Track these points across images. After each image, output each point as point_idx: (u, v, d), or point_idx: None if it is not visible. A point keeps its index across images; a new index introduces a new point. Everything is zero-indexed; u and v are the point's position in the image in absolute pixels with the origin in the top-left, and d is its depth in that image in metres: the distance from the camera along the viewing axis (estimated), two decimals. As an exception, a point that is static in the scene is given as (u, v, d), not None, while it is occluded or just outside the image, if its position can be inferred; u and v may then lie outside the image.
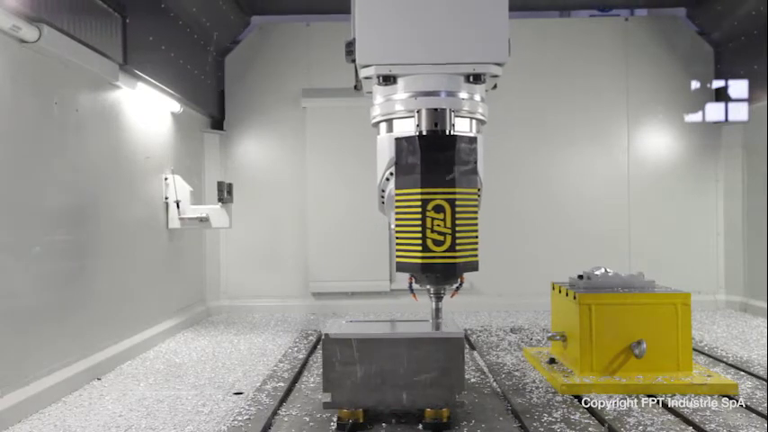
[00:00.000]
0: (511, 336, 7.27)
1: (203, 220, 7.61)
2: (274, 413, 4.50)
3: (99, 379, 5.52)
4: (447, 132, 4.23)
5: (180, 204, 7.53)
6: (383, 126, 4.53)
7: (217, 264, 9.32)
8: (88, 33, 5.53)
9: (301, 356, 6.27)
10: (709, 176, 9.33)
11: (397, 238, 4.26)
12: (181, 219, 7.56)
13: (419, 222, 4.10)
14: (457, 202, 4.11)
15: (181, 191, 7.56)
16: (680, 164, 9.37)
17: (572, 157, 9.39)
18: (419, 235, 4.10)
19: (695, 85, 9.27)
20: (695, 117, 9.29)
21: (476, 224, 4.27)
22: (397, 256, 4.28)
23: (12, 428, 4.31)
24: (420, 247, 4.10)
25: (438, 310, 4.47)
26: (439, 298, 4.45)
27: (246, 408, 4.61)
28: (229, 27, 9.14)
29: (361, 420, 4.12)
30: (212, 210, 7.63)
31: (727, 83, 9.02)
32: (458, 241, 4.11)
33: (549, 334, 5.79)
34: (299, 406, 4.68)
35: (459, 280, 4.40)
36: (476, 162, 4.26)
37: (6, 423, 4.31)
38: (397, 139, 4.26)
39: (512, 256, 9.23)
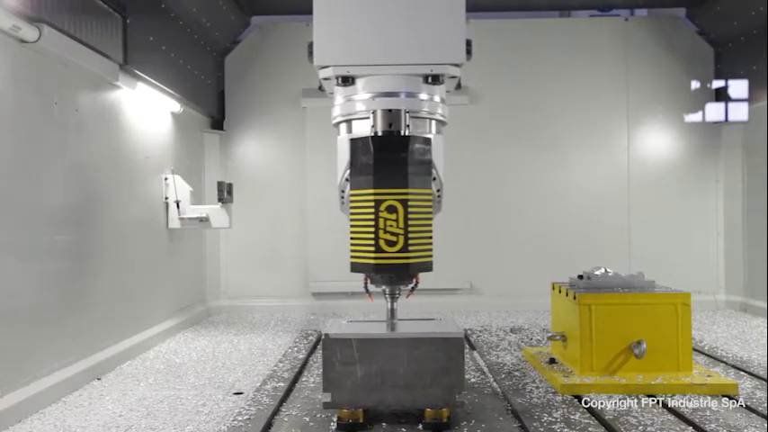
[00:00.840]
0: (511, 336, 7.27)
1: (203, 220, 7.61)
2: (274, 413, 4.50)
3: (99, 379, 5.52)
4: (402, 133, 4.26)
5: (180, 204, 7.53)
6: (343, 127, 4.57)
7: (217, 264, 9.32)
8: (88, 33, 5.53)
9: (301, 356, 6.27)
10: (709, 176, 9.33)
11: (351, 238, 4.31)
12: (181, 219, 7.56)
13: (372, 223, 4.14)
14: (410, 203, 4.13)
15: (181, 191, 7.56)
16: (680, 164, 9.37)
17: (572, 156, 9.39)
18: (372, 235, 4.14)
19: (695, 85, 9.27)
20: (695, 117, 9.29)
21: (430, 224, 4.30)
22: (352, 257, 4.33)
23: (12, 428, 4.31)
24: (373, 248, 4.15)
25: (393, 310, 4.50)
26: (393, 298, 4.49)
27: (246, 408, 4.62)
28: (229, 27, 9.15)
29: (361, 420, 4.12)
30: (212, 210, 7.63)
31: (727, 83, 9.02)
32: (410, 242, 4.13)
33: (549, 334, 5.79)
34: (299, 406, 4.68)
35: (414, 280, 4.41)
36: (430, 163, 4.29)
37: (6, 423, 4.31)
38: (352, 140, 4.30)
39: (512, 256, 9.23)
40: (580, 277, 5.69)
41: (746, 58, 8.58)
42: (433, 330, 4.27)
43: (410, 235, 4.13)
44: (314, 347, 6.61)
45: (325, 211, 9.22)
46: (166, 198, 7.54)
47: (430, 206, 4.30)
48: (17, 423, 4.39)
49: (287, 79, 9.28)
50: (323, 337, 4.17)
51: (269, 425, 4.29)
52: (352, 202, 4.28)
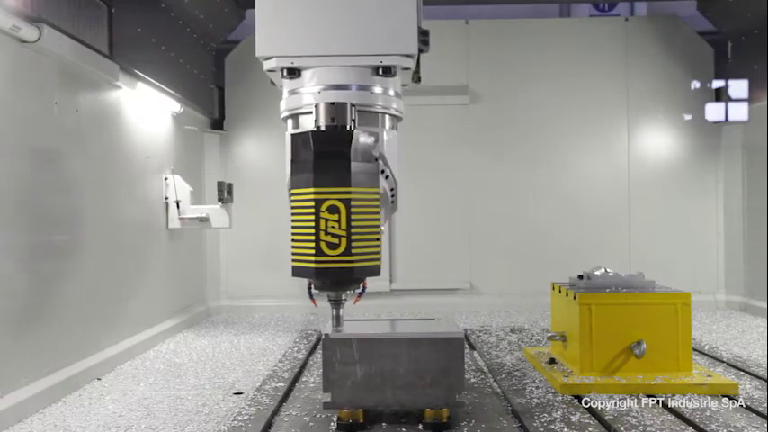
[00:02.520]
0: (511, 336, 7.27)
1: (203, 220, 7.60)
2: (274, 413, 4.50)
3: (99, 379, 5.52)
4: (348, 128, 3.94)
5: (180, 204, 7.53)
6: (290, 122, 4.34)
7: (217, 264, 9.32)
8: (87, 32, 5.52)
9: (301, 356, 6.27)
10: (709, 176, 9.33)
11: (292, 240, 4.04)
12: (181, 219, 7.56)
13: (312, 224, 3.86)
14: (353, 203, 3.84)
15: (181, 191, 7.56)
16: (680, 164, 9.37)
17: (572, 157, 9.39)
18: (312, 237, 3.86)
19: (695, 85, 9.27)
20: (695, 117, 9.29)
21: (377, 226, 4.01)
22: (293, 260, 4.05)
23: (12, 428, 4.31)
24: (313, 251, 3.87)
25: (338, 317, 4.23)
26: (338, 304, 4.22)
27: (246, 408, 4.62)
28: (224, 21, 9.01)
29: (361, 420, 4.12)
30: (212, 210, 7.62)
31: (727, 83, 9.01)
32: (354, 244, 3.84)
33: (549, 334, 5.79)
34: (299, 406, 4.68)
35: (361, 285, 4.15)
36: (377, 159, 4.00)
37: (6, 423, 4.31)
38: (293, 135, 4.04)
39: (512, 256, 9.23)
40: (580, 277, 5.69)
41: (760, 51, 8.47)
42: (432, 330, 4.28)
43: (353, 237, 3.83)
44: (314, 347, 6.60)
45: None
46: (166, 198, 7.54)
47: (377, 206, 3.99)
48: (17, 423, 4.39)
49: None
50: (323, 337, 4.17)
51: (269, 425, 4.29)
52: (293, 201, 4.02)
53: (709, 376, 5.05)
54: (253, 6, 9.25)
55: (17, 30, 4.57)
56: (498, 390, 5.06)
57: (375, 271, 4.01)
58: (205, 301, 9.07)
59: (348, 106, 3.95)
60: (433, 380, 4.09)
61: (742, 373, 5.49)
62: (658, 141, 9.38)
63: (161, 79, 7.07)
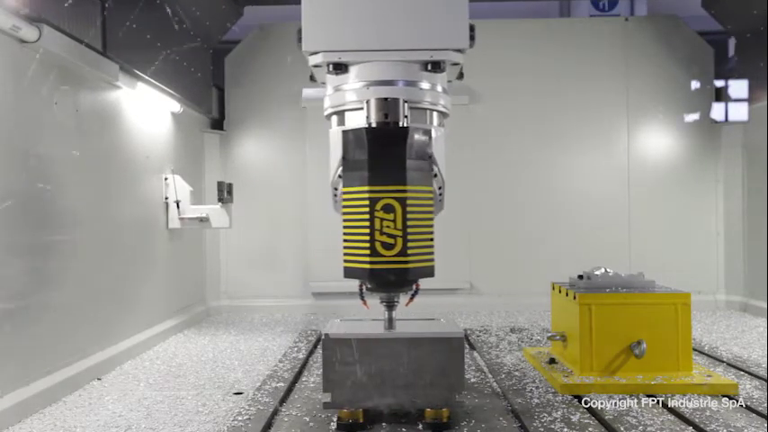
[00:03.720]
0: (511, 336, 7.27)
1: (203, 220, 7.60)
2: (274, 413, 4.50)
3: (99, 379, 5.52)
4: (400, 125, 3.87)
5: (180, 204, 7.53)
6: (335, 119, 4.22)
7: (217, 264, 9.32)
8: (85, 31, 5.52)
9: (301, 356, 6.27)
10: (709, 176, 9.33)
11: (344, 240, 3.95)
12: (181, 219, 7.56)
13: (367, 224, 3.77)
14: (408, 202, 3.77)
15: (181, 191, 7.56)
16: (680, 164, 9.37)
17: (572, 156, 9.39)
18: (367, 238, 3.77)
19: (695, 85, 9.27)
20: (695, 117, 9.30)
21: (431, 225, 3.95)
22: (345, 261, 3.95)
23: (12, 428, 4.31)
24: (368, 251, 3.77)
25: (391, 320, 4.15)
26: (390, 307, 4.13)
27: (246, 408, 4.61)
28: (222, 17, 8.97)
29: (361, 420, 4.12)
30: (212, 210, 7.62)
31: (727, 83, 9.01)
32: (410, 244, 3.78)
33: (549, 334, 5.79)
34: (299, 406, 4.68)
35: (414, 287, 4.06)
36: (431, 157, 3.93)
37: (6, 423, 4.31)
38: (344, 132, 3.95)
39: (512, 256, 9.23)
40: (580, 277, 5.69)
41: (765, 49, 8.44)
42: (432, 330, 4.27)
43: (409, 237, 3.76)
44: (314, 347, 6.60)
45: (325, 211, 9.15)
46: (166, 198, 7.54)
47: (431, 205, 3.95)
48: (17, 423, 4.39)
49: (287, 79, 9.27)
50: (323, 337, 4.16)
51: (269, 425, 4.29)
52: (344, 200, 3.94)
53: (709, 376, 5.05)
54: (251, 3, 9.10)
55: (17, 30, 4.57)
56: (498, 390, 5.06)
57: (430, 272, 3.94)
58: (205, 301, 9.07)
59: (401, 102, 3.88)
60: (433, 380, 4.08)
61: (742, 373, 5.49)
62: (658, 141, 9.38)
63: (161, 79, 7.06)
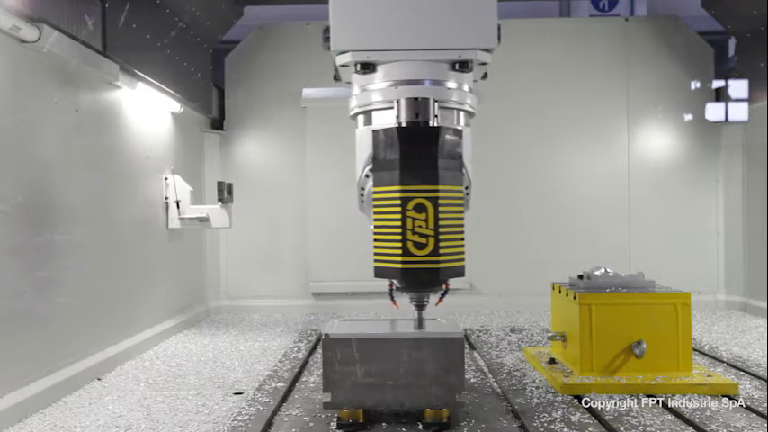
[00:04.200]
0: (511, 336, 7.27)
1: (203, 220, 7.60)
2: (274, 413, 4.50)
3: (99, 379, 5.52)
4: (430, 124, 3.89)
5: (180, 204, 7.53)
6: (361, 118, 4.23)
7: (217, 264, 9.32)
8: (85, 31, 5.52)
9: (301, 356, 6.27)
10: (709, 176, 9.33)
11: (375, 240, 3.96)
12: (181, 219, 7.56)
13: (399, 223, 3.79)
14: (440, 201, 3.78)
15: (181, 191, 7.56)
16: (680, 164, 9.37)
17: (572, 156, 9.39)
18: (399, 237, 3.79)
19: (695, 85, 9.28)
20: (695, 117, 9.29)
21: (462, 225, 3.95)
22: (375, 261, 3.96)
23: (12, 428, 4.31)
24: (400, 251, 3.79)
25: (421, 320, 4.18)
26: (421, 306, 4.15)
27: (246, 408, 4.62)
28: (222, 17, 8.96)
29: (361, 420, 4.12)
30: (212, 210, 7.62)
31: (727, 83, 9.01)
32: (441, 244, 3.79)
33: (549, 334, 5.79)
34: (299, 406, 4.68)
35: (444, 286, 4.08)
36: (461, 157, 3.95)
37: (6, 423, 4.31)
38: (375, 132, 3.95)
39: (512, 256, 9.23)
40: (580, 277, 5.69)
41: (765, 49, 8.44)
42: (433, 330, 4.27)
43: (441, 237, 3.77)
44: (314, 347, 6.60)
45: (325, 211, 9.26)
46: (166, 198, 7.54)
47: (462, 205, 3.95)
48: (17, 423, 4.39)
49: (287, 79, 9.28)
50: (323, 337, 4.16)
51: (269, 425, 4.29)
52: (375, 200, 3.93)
53: (709, 376, 5.05)
54: (251, 3, 9.07)
55: (17, 30, 4.57)
56: (498, 390, 5.06)
57: (460, 271, 3.95)
58: (205, 301, 9.07)
59: (431, 102, 3.89)
60: (433, 380, 4.08)
61: (742, 373, 5.49)
62: (658, 141, 9.38)
63: (161, 79, 7.06)
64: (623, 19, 9.68)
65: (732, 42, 9.68)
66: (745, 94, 8.82)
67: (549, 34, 9.43)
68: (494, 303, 9.17)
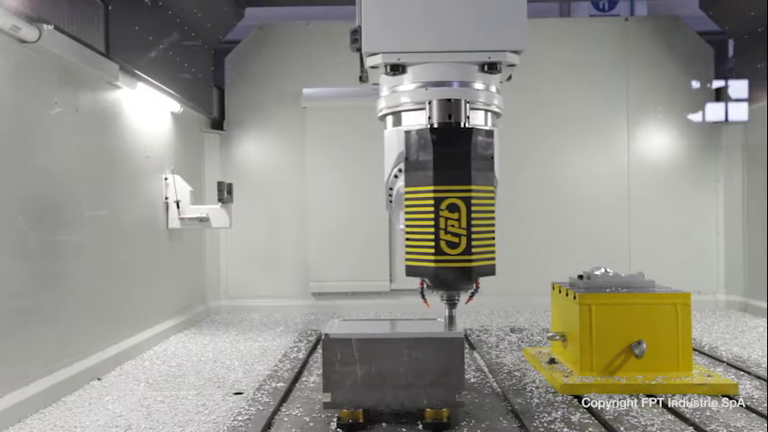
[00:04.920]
0: (511, 336, 7.27)
1: (203, 220, 7.61)
2: (274, 413, 4.50)
3: (99, 379, 5.52)
4: (462, 125, 3.93)
5: (180, 204, 7.53)
6: (390, 119, 4.26)
7: (217, 264, 9.32)
8: (87, 32, 5.52)
9: (301, 356, 6.27)
10: (709, 176, 9.33)
11: (406, 239, 3.99)
12: (181, 219, 7.56)
13: (432, 223, 3.83)
14: (473, 201, 3.83)
15: (181, 191, 7.56)
16: (680, 164, 9.37)
17: (572, 156, 9.39)
18: (432, 237, 3.83)
19: (695, 85, 9.27)
20: (695, 117, 9.30)
21: (493, 225, 3.99)
22: (407, 260, 4.01)
23: (12, 428, 4.31)
24: (433, 250, 3.83)
25: (452, 318, 4.22)
26: (452, 305, 4.20)
27: (246, 408, 4.62)
28: (223, 19, 8.98)
29: (360, 420, 4.12)
30: (212, 210, 7.62)
31: (727, 83, 9.01)
32: (474, 243, 3.83)
33: (549, 334, 5.79)
34: (299, 406, 4.68)
35: (474, 285, 4.11)
36: (492, 157, 3.98)
37: (6, 423, 4.31)
38: (407, 133, 3.99)
39: (512, 256, 9.14)
40: (580, 277, 5.69)
41: (763, 50, 8.45)
42: (433, 330, 4.27)
43: (473, 236, 3.82)
44: (314, 347, 6.60)
45: (325, 211, 9.26)
46: (166, 198, 7.54)
47: (493, 204, 4.01)
48: (17, 423, 4.39)
49: (287, 79, 9.28)
50: (323, 337, 4.17)
51: (269, 425, 4.29)
52: (407, 200, 3.97)
53: (709, 376, 5.05)
54: (253, 4, 9.18)
55: (17, 30, 4.57)
56: (498, 390, 5.06)
57: (491, 270, 4.00)
58: (205, 301, 9.07)
59: (463, 102, 3.94)
60: (433, 380, 4.08)
61: (742, 373, 5.49)
62: (658, 141, 9.38)
63: (161, 79, 7.06)
64: (623, 19, 9.68)
65: (732, 42, 9.68)
66: (745, 94, 8.82)
67: (549, 34, 9.42)
68: (494, 303, 9.16)
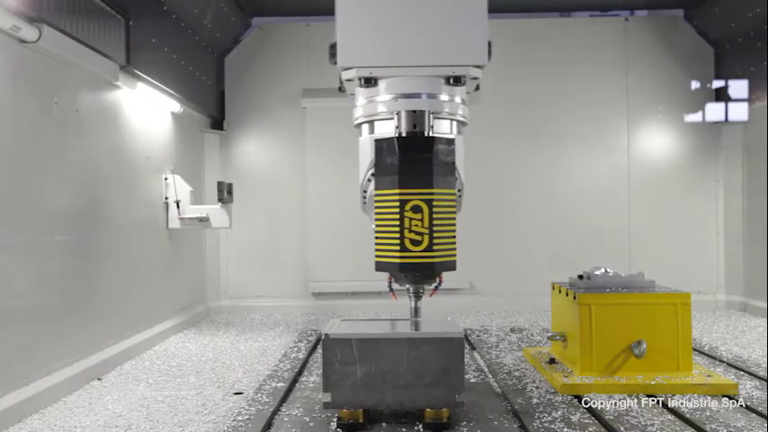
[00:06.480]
0: (511, 336, 7.27)
1: (203, 220, 7.61)
2: (274, 413, 4.50)
3: (99, 379, 5.53)
4: (426, 134, 4.31)
5: (180, 204, 7.53)
6: (365, 127, 4.64)
7: (217, 264, 9.32)
8: (90, 34, 5.53)
9: (301, 356, 6.27)
10: (709, 176, 9.33)
11: (376, 237, 4.34)
12: (181, 219, 7.56)
13: (397, 223, 4.19)
14: (434, 203, 4.19)
15: (181, 191, 7.56)
16: (680, 164, 9.37)
17: (572, 156, 9.39)
18: (397, 235, 4.19)
19: (695, 85, 9.27)
20: (695, 117, 9.30)
21: (453, 224, 4.35)
22: (376, 256, 4.36)
23: (12, 428, 4.31)
24: (398, 247, 4.19)
25: (417, 309, 4.56)
26: (418, 297, 4.54)
27: (246, 408, 4.62)
28: (230, 28, 9.12)
29: (360, 420, 4.12)
30: (212, 210, 7.63)
31: (727, 83, 9.02)
32: (435, 241, 4.19)
33: (549, 334, 5.79)
34: (299, 406, 4.68)
35: (438, 279, 4.48)
36: (454, 163, 4.34)
37: (6, 423, 4.31)
38: (377, 141, 4.34)
39: (512, 256, 9.23)
40: (580, 277, 5.69)
41: (744, 60, 8.58)
42: (433, 330, 4.27)
43: (435, 234, 4.18)
44: (314, 347, 6.60)
45: (325, 211, 9.27)
46: (166, 198, 7.54)
47: (454, 206, 4.36)
48: (17, 423, 4.39)
49: (287, 79, 9.29)
50: (323, 337, 4.17)
51: (269, 425, 4.29)
52: (376, 202, 4.32)
53: (709, 376, 5.05)
54: (258, 14, 9.42)
55: (17, 30, 4.57)
56: (498, 390, 5.06)
57: (452, 266, 4.37)
58: (205, 301, 9.07)
59: (427, 113, 4.34)
60: (433, 380, 4.08)
61: (742, 373, 5.49)
62: (658, 141, 9.38)
63: (161, 79, 7.06)
64: (623, 19, 9.68)
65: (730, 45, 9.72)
66: (745, 94, 8.83)
67: (549, 34, 9.43)
68: (494, 303, 9.17)
